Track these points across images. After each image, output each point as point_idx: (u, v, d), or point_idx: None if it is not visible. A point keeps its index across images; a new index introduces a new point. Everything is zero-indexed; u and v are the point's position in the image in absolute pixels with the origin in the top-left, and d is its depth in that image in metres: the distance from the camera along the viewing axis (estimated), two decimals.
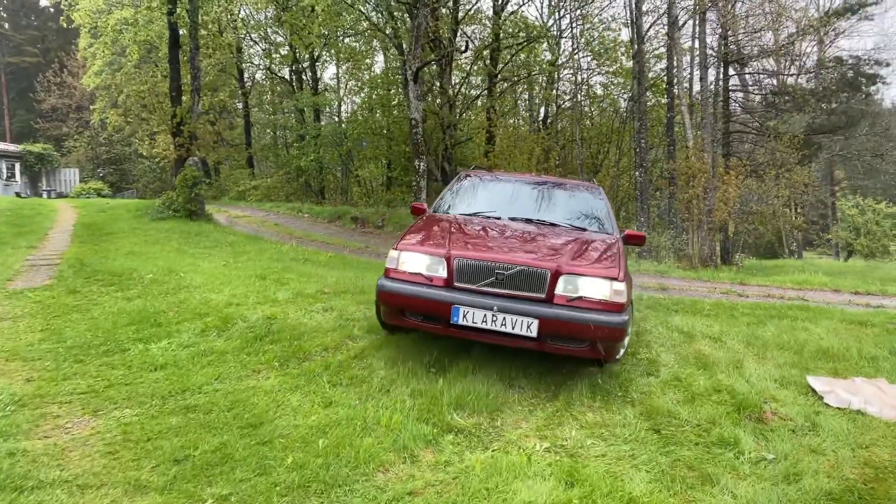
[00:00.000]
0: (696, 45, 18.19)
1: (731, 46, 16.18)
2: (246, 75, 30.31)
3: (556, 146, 19.15)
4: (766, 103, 16.40)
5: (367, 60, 26.16)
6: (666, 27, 18.92)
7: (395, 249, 4.22)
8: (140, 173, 33.62)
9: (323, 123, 26.00)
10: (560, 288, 3.91)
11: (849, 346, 5.05)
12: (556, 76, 23.56)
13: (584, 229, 5.10)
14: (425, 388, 3.77)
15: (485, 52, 22.14)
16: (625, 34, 22.94)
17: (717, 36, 14.86)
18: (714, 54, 14.68)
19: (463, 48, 16.70)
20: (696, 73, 17.96)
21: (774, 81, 16.46)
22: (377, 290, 4.15)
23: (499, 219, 5.08)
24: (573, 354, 3.92)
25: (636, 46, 14.72)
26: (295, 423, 3.23)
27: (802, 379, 4.18)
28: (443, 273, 4.04)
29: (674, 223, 18.12)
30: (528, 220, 5.08)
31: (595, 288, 3.91)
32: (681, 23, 14.88)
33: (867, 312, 6.65)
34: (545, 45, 24.30)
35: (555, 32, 23.13)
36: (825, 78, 15.32)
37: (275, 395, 3.59)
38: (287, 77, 29.17)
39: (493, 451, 3.07)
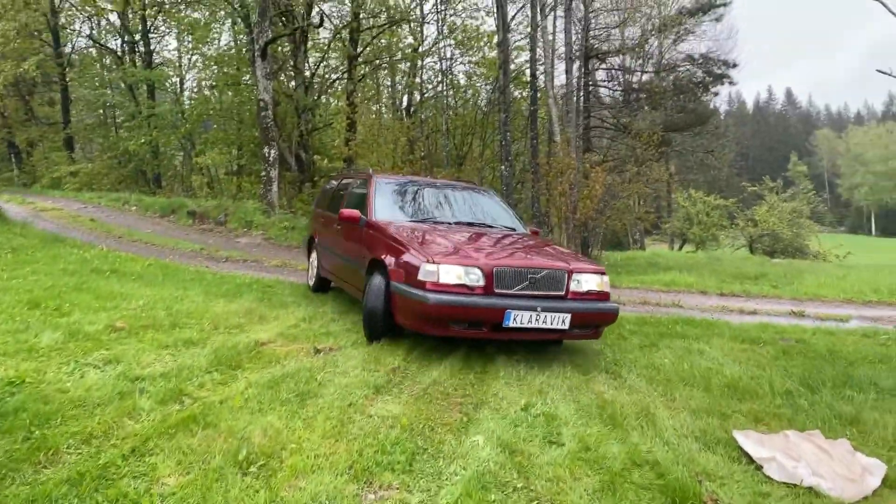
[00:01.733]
0: (561, 37, 18.08)
1: (592, 41, 16.15)
2: (69, 46, 25.91)
3: (421, 136, 18.14)
4: (623, 100, 16.61)
5: (214, 34, 23.35)
6: (529, 17, 18.63)
7: (432, 263, 4.36)
8: None
9: (159, 102, 22.76)
10: (573, 285, 4.66)
11: (755, 375, 4.47)
12: (419, 63, 22.57)
13: (514, 229, 5.99)
14: None
15: (344, 33, 20.55)
16: (489, 24, 22.48)
17: (580, 28, 14.63)
18: (577, 48, 14.44)
19: (317, 22, 15.05)
20: (560, 66, 17.84)
21: (632, 78, 16.76)
22: (419, 302, 4.25)
23: (451, 224, 5.65)
24: (581, 339, 5.02)
25: (501, 34, 14.07)
26: None
27: (727, 434, 3.42)
28: (481, 282, 4.38)
29: (536, 218, 17.96)
30: (470, 224, 5.78)
31: (593, 282, 4.76)
32: (547, 10, 14.44)
33: (753, 326, 6.30)
34: (408, 29, 23.24)
35: (417, 16, 22.07)
36: (679, 76, 15.80)
37: None
38: (117, 49, 25.35)
39: None
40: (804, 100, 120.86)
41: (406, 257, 4.59)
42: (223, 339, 4.55)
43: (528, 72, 22.34)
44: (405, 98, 24.59)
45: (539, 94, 20.82)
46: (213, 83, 22.29)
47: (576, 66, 14.17)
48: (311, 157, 15.21)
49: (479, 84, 25.00)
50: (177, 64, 26.98)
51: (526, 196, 21.19)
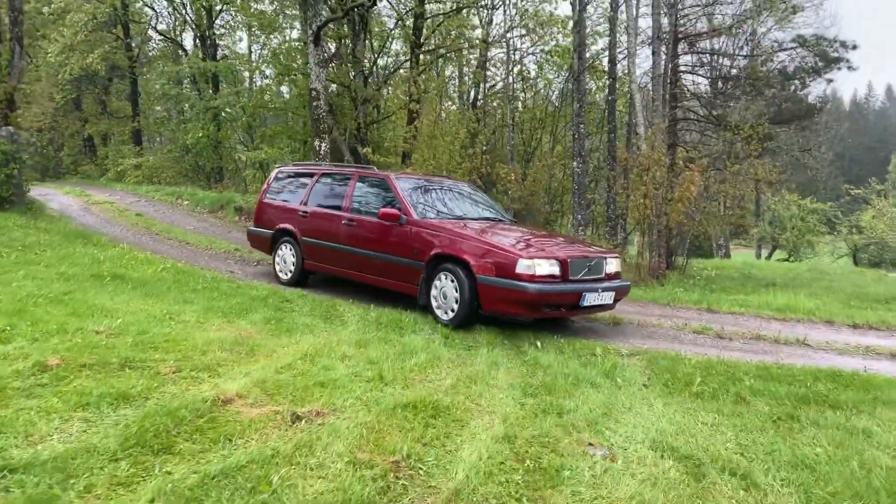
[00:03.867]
0: (645, 15, 16.18)
1: (681, 20, 14.15)
2: (138, 38, 26.05)
3: (484, 130, 16.64)
4: (715, 89, 14.49)
5: (283, 26, 22.71)
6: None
7: (527, 258, 5.35)
8: None
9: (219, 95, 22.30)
10: (608, 268, 5.90)
11: None
12: (486, 54, 21.12)
13: (502, 220, 7.08)
14: None
15: (407, 19, 19.35)
16: (563, 9, 20.72)
17: (667, 4, 12.69)
18: (666, 28, 12.53)
19: (369, 2, 13.85)
20: (642, 51, 15.92)
21: (728, 63, 14.65)
22: (520, 291, 5.26)
23: (474, 219, 6.68)
24: (609, 310, 6.31)
25: (577, 13, 12.39)
26: None
27: None
28: (559, 271, 5.45)
29: (611, 221, 16.09)
30: (487, 219, 6.83)
31: (615, 264, 6.07)
32: None
33: None
34: (476, 19, 21.80)
35: (486, 1, 20.57)
36: (784, 61, 13.58)
37: None
38: (189, 44, 25.25)
39: None
40: None
41: (496, 253, 5.48)
42: (174, 393, 3.28)
43: (605, 60, 20.51)
44: (472, 91, 23.19)
45: (618, 84, 18.93)
46: (274, 75, 21.61)
47: (662, 48, 12.28)
48: (369, 150, 14.04)
49: (550, 75, 23.30)
50: (247, 58, 26.63)
51: (601, 196, 19.31)
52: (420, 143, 11.90)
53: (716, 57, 14.88)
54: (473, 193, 7.63)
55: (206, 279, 7.14)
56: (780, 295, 8.49)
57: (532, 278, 5.24)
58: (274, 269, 7.77)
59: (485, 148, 14.12)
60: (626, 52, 16.37)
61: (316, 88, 14.29)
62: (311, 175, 7.78)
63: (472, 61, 22.56)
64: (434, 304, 5.85)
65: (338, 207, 7.07)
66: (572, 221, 14.36)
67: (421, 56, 19.40)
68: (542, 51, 21.70)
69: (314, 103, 14.39)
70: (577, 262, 5.56)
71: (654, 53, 11.96)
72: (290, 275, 7.50)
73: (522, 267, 5.27)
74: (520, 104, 23.16)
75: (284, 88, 24.55)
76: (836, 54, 12.75)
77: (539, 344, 5.17)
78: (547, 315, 5.66)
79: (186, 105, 23.22)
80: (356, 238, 6.73)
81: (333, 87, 18.24)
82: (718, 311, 7.47)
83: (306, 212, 7.41)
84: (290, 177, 8.15)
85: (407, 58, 20.03)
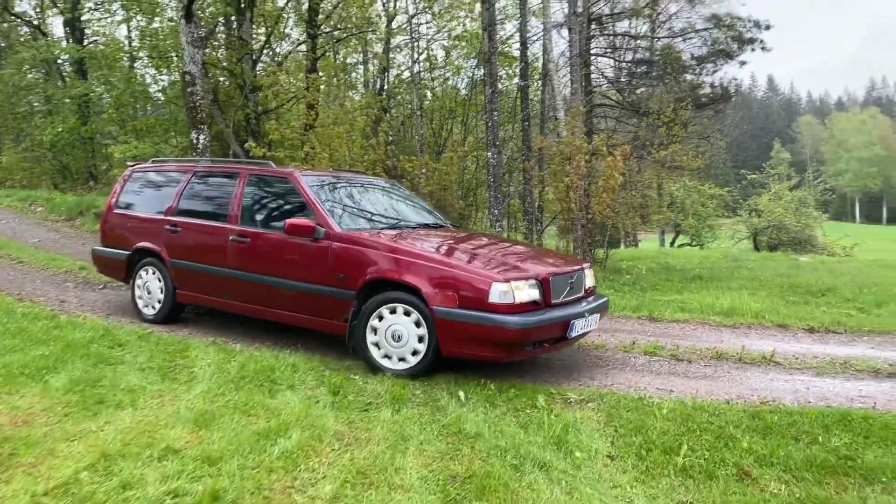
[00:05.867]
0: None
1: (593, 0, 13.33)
2: None
3: (390, 118, 15.19)
4: (632, 73, 13.80)
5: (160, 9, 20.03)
6: None
7: (504, 281, 3.97)
8: None
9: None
10: (586, 283, 4.72)
11: None
12: (391, 40, 19.71)
13: (443, 224, 5.74)
14: None
15: (302, 1, 17.56)
16: None
17: None
18: (580, 8, 11.59)
19: None
20: (555, 33, 14.99)
21: (643, 45, 14.01)
22: (497, 328, 3.88)
23: (415, 226, 5.28)
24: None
25: None
26: None
27: None
28: (539, 295, 4.12)
29: (529, 215, 15.15)
30: (428, 225, 5.43)
31: (591, 277, 4.89)
32: None
33: None
34: (379, 2, 20.23)
35: None
36: (697, 42, 13.07)
37: None
38: (40, 24, 21.86)
39: None
40: (786, 87, 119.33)
41: (459, 277, 4.08)
42: None
43: (515, 46, 19.59)
44: (378, 81, 21.61)
45: (530, 70, 18.02)
46: (148, 59, 19.06)
47: (576, 29, 11.33)
48: (252, 144, 12.22)
49: (460, 61, 22.15)
50: (120, 44, 23.56)
51: (515, 188, 18.38)
52: (312, 135, 10.26)
53: (630, 40, 14.19)
54: (399, 192, 6.17)
55: (13, 316, 5.29)
56: (720, 295, 7.68)
57: (510, 308, 3.93)
58: (134, 302, 5.91)
59: (390, 138, 12.70)
60: (537, 34, 15.48)
61: (190, 72, 12.33)
62: (180, 175, 5.93)
63: (378, 48, 21.08)
64: (375, 350, 4.33)
65: (221, 217, 5.34)
66: (489, 216, 13.24)
67: (317, 40, 17.68)
68: (449, 35, 20.53)
69: (189, 89, 12.43)
70: (558, 280, 4.29)
71: (570, 31, 10.96)
72: (156, 309, 5.70)
73: (497, 294, 3.92)
74: (429, 93, 21.89)
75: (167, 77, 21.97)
76: (749, 34, 12.32)
77: (462, 394, 3.86)
78: (527, 355, 4.33)
79: (45, 97, 20.17)
80: (250, 259, 5.06)
81: (220, 73, 16.18)
82: (662, 320, 6.49)
83: (176, 225, 5.61)
84: (150, 178, 6.27)
85: (302, 40, 18.23)
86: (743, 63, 12.79)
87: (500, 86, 18.11)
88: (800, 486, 2.75)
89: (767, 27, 12.27)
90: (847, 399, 4.01)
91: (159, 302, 5.67)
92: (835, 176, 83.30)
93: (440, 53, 21.52)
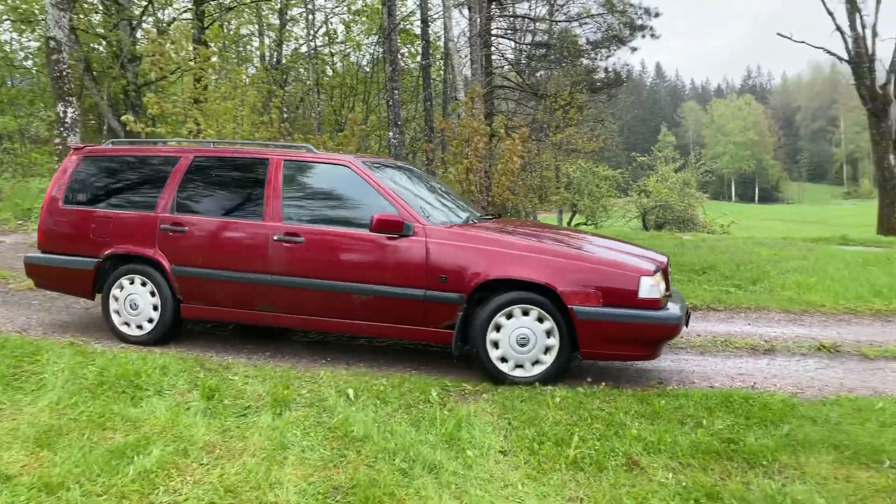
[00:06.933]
0: None
1: None
2: None
3: (281, 93, 14.42)
4: (531, 56, 13.95)
5: None
6: None
7: (650, 274, 3.81)
8: None
9: None
10: None
11: None
12: (287, 12, 18.77)
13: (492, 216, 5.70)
14: None
15: None
16: None
17: None
18: None
19: None
20: (456, 12, 14.81)
21: (541, 27, 14.17)
22: (651, 325, 3.78)
23: (478, 217, 5.07)
24: None
25: None
26: None
27: None
28: (664, 285, 4.04)
29: None
30: (480, 217, 5.17)
31: None
32: None
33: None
34: None
35: None
36: (593, 27, 13.39)
37: None
38: None
39: None
40: (672, 73, 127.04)
41: (601, 271, 3.85)
42: None
43: (416, 23, 19.26)
44: (273, 54, 20.52)
45: (431, 49, 17.79)
46: (10, 21, 16.96)
47: (476, 9, 11.23)
48: (130, 117, 11.15)
49: (360, 38, 21.50)
50: None
51: (419, 169, 18.21)
52: (194, 110, 9.48)
53: (529, 22, 14.31)
54: (423, 177, 5.59)
55: None
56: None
57: (657, 303, 3.79)
58: (109, 320, 4.79)
59: (285, 115, 12.06)
60: (439, 12, 15.25)
61: (55, 37, 11.05)
62: (168, 161, 4.86)
63: (273, 19, 20.01)
64: (500, 363, 3.96)
65: (253, 214, 4.55)
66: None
67: (206, 6, 16.48)
68: (348, 9, 19.85)
69: (53, 56, 11.14)
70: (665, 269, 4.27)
71: (470, 10, 10.84)
72: (146, 330, 4.71)
73: (646, 288, 3.76)
74: (329, 69, 21.13)
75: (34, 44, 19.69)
76: (640, 21, 12.77)
77: (351, 392, 3.64)
78: (657, 355, 4.04)
79: None
80: (305, 263, 4.35)
81: (93, 39, 14.70)
82: None
83: (180, 224, 4.65)
84: (113, 166, 5.07)
85: (189, 7, 16.94)
86: (634, 49, 13.34)
87: (402, 64, 17.78)
88: (686, 472, 2.78)
89: (657, 14, 12.80)
90: (728, 378, 4.19)
91: (150, 321, 4.69)
92: (714, 158, 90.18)
93: (340, 28, 20.82)
